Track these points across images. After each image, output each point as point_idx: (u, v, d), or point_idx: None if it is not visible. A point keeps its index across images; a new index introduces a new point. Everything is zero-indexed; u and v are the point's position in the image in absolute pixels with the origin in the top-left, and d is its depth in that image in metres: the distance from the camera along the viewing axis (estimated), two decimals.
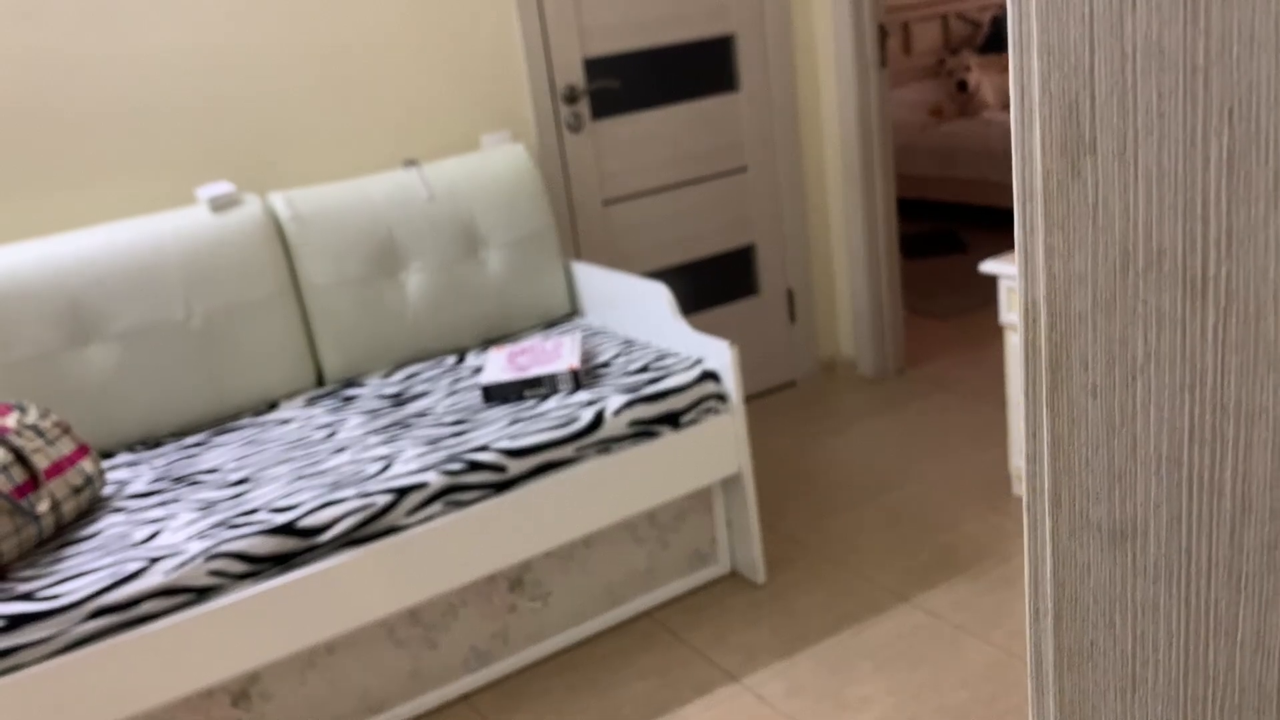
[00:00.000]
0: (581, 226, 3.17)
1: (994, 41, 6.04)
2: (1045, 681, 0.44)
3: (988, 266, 2.61)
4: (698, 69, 3.31)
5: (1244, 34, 0.31)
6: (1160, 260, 0.35)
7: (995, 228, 5.32)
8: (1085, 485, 0.40)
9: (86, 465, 2.09)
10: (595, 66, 3.12)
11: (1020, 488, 2.80)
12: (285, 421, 2.44)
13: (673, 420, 2.33)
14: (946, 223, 5.54)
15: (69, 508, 2.02)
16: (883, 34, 3.40)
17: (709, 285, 3.48)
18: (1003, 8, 6.12)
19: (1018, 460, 2.74)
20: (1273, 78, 0.31)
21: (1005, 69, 5.89)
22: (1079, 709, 0.43)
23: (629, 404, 2.28)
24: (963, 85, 5.69)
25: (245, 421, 2.48)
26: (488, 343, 2.80)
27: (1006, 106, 5.77)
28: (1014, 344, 2.64)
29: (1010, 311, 2.61)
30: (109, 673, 1.82)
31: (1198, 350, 0.35)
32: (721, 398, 2.39)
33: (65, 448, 2.06)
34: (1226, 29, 0.32)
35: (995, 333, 3.95)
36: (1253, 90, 0.32)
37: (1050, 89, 0.37)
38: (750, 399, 3.65)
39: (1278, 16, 0.30)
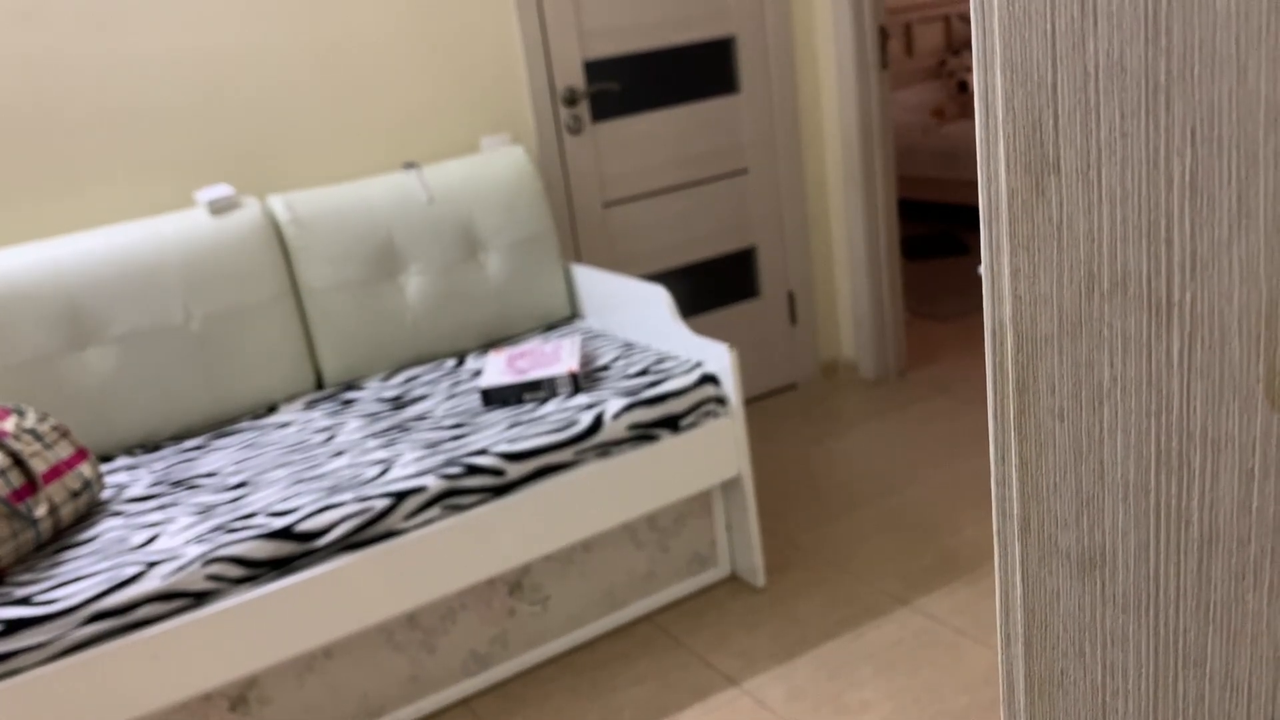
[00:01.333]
0: (581, 229, 3.17)
1: None
2: (1017, 709, 0.43)
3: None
4: (698, 71, 3.30)
5: (1205, 52, 0.30)
6: (1125, 283, 0.34)
7: None
8: (1054, 511, 0.39)
9: (85, 469, 2.09)
10: (595, 69, 3.11)
11: None
12: (284, 425, 2.44)
13: (672, 424, 2.32)
14: (947, 225, 5.53)
15: (67, 512, 2.02)
16: (884, 35, 3.39)
17: (709, 288, 3.47)
18: None
19: None
20: (1235, 96, 0.30)
21: None
22: None
23: (628, 407, 2.27)
24: (964, 86, 5.67)
25: (244, 425, 2.48)
26: (487, 346, 2.79)
27: None
28: None
29: None
30: (106, 678, 1.82)
31: (1163, 375, 0.34)
32: (721, 401, 2.38)
33: (63, 451, 2.06)
34: (1188, 47, 0.31)
35: None
36: (1215, 109, 0.31)
37: (1014, 107, 0.36)
38: (751, 402, 3.64)
39: (1239, 35, 0.29)
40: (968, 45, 6.11)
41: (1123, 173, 0.34)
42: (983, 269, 0.38)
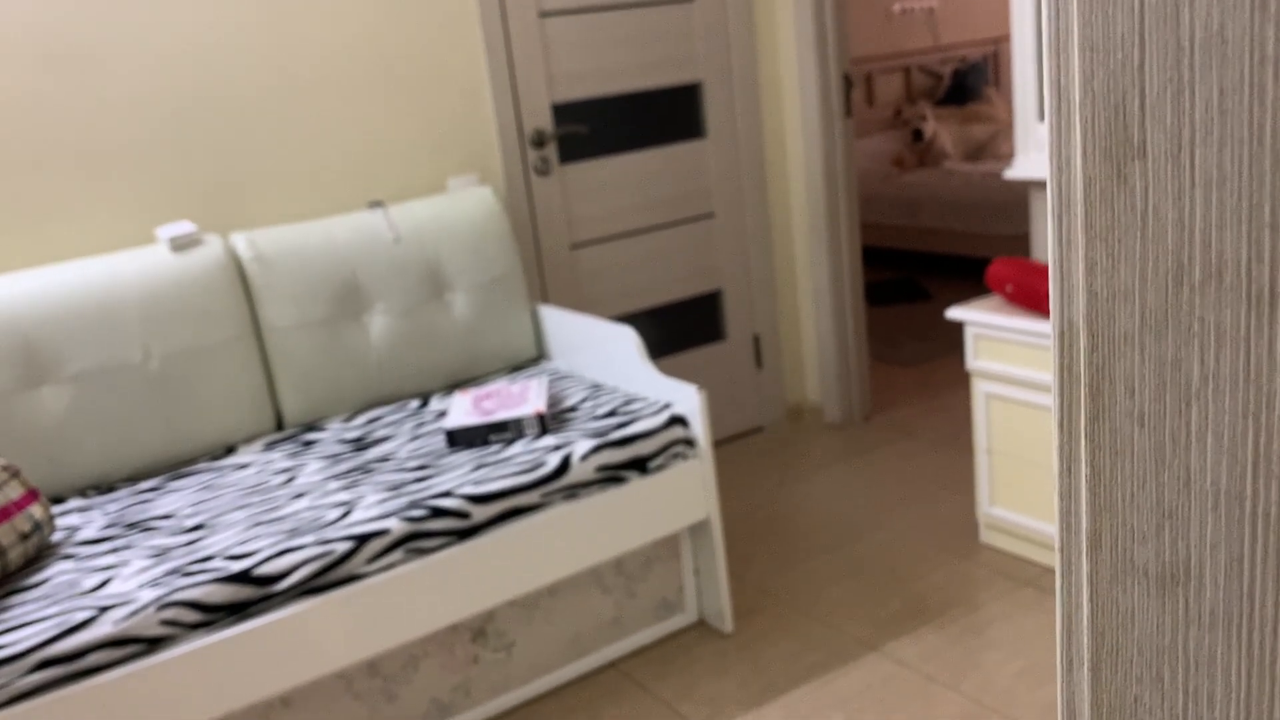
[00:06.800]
0: (549, 270, 3.15)
1: (954, 94, 6.13)
2: None
3: (955, 313, 2.60)
4: (665, 116, 3.31)
5: None
6: (1220, 272, 0.32)
7: (958, 276, 5.35)
8: (1130, 524, 0.36)
9: (35, 511, 2.01)
10: (564, 111, 3.11)
11: (988, 535, 2.77)
12: (243, 466, 2.37)
13: (641, 465, 2.29)
14: (909, 271, 5.57)
15: (15, 555, 1.94)
16: (848, 84, 3.42)
17: (676, 330, 3.46)
18: (964, 61, 6.21)
19: (985, 508, 2.72)
20: None
21: (963, 120, 5.96)
22: None
23: (596, 449, 2.24)
24: (918, 134, 5.75)
25: (202, 466, 2.41)
26: (452, 386, 2.75)
27: (967, 157, 5.84)
28: (981, 390, 2.63)
29: (977, 359, 2.60)
30: None
31: (1264, 370, 0.32)
32: (690, 443, 2.36)
33: (13, 492, 1.99)
34: None
35: (960, 379, 3.95)
36: None
37: (1093, 88, 0.34)
38: (717, 445, 3.62)
39: None
40: (924, 95, 6.20)
41: (1220, 154, 0.32)
42: (1050, 266, 0.36)
